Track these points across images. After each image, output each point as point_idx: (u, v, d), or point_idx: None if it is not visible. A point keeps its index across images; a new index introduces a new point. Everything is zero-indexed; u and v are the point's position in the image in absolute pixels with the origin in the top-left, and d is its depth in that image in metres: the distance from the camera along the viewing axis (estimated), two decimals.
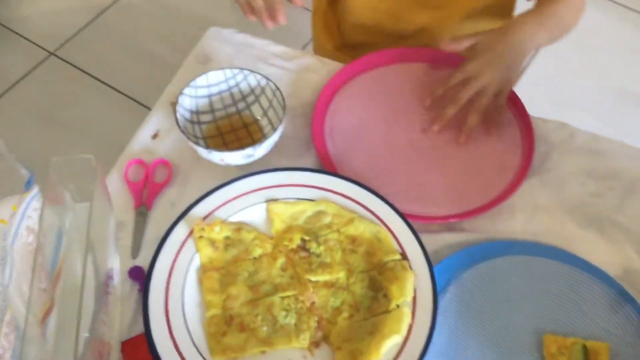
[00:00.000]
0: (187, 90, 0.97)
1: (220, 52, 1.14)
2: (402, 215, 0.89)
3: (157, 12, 2.49)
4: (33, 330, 0.62)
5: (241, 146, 1.00)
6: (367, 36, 1.26)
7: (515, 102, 1.06)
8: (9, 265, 0.61)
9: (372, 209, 0.90)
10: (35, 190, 0.67)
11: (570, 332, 0.83)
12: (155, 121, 1.05)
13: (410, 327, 0.80)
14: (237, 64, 1.12)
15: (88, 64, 2.33)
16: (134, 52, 2.36)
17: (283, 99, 0.96)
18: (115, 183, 0.98)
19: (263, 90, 1.00)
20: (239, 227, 0.90)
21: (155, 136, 1.03)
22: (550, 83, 2.10)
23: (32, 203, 0.66)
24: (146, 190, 0.97)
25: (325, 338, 0.82)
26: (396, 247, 0.87)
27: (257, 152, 0.93)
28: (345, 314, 0.83)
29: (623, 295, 0.86)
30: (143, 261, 0.90)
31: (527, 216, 0.96)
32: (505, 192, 0.96)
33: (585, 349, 0.80)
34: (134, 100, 2.22)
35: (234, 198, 0.91)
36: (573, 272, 0.88)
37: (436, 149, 1.02)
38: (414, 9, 1.16)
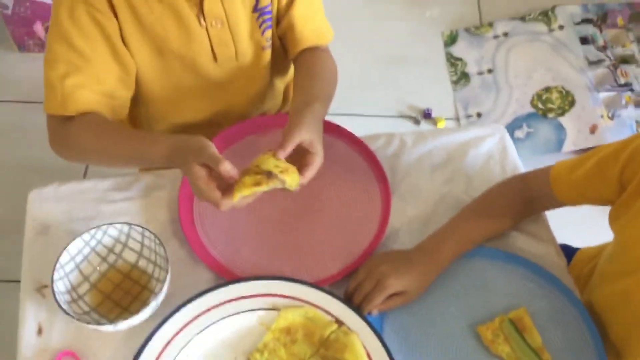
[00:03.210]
0: (56, 275, 0.92)
1: (54, 212, 1.07)
2: (317, 286, 0.95)
3: None
4: None
5: (134, 298, 0.98)
6: None
7: (347, 136, 1.15)
8: None
9: (289, 294, 0.94)
10: None
11: (495, 313, 0.96)
12: (30, 316, 0.96)
13: None
14: (78, 215, 1.06)
15: None
16: None
17: (154, 236, 0.95)
18: None
19: (128, 235, 0.98)
20: None
21: (40, 332, 0.95)
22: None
23: None
24: None
25: None
26: (328, 318, 0.92)
27: (159, 298, 0.92)
28: None
29: (517, 262, 1.00)
30: None
31: (406, 230, 1.07)
32: (381, 223, 1.05)
33: (511, 321, 0.93)
34: None
35: (161, 353, 0.90)
36: (472, 261, 1.00)
37: (309, 213, 1.08)
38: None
